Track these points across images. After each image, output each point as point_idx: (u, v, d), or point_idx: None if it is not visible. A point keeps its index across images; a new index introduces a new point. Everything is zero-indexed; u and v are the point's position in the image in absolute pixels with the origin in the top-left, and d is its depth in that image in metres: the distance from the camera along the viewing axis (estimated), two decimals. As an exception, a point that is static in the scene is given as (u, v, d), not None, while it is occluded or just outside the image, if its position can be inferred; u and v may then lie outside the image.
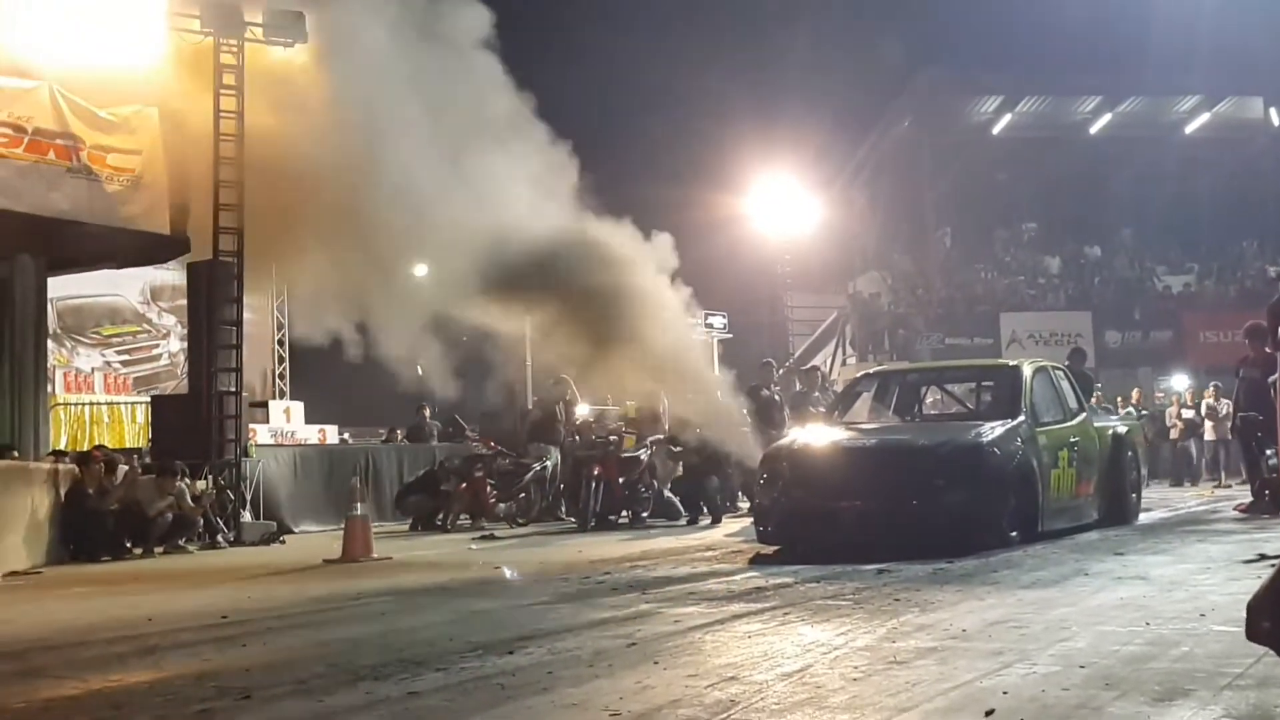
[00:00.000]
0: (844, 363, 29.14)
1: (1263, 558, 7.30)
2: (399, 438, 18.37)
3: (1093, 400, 12.86)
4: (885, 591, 6.39)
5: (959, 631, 4.99)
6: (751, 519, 10.25)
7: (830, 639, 4.95)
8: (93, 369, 19.84)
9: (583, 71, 27.57)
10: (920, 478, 8.70)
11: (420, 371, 17.29)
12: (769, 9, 32.99)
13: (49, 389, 15.57)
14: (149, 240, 13.58)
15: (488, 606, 6.72)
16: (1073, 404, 10.67)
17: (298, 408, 19.41)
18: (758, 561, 8.57)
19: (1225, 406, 17.43)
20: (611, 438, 14.24)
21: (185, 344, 16.41)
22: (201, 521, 12.37)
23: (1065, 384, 10.88)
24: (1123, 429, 11.61)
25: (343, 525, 10.83)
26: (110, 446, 15.18)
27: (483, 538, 12.41)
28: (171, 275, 18.87)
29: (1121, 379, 24.66)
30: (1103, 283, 31.47)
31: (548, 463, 14.60)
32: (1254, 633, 3.15)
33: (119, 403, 18.57)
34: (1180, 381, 24.82)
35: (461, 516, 14.51)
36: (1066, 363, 12.79)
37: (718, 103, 30.32)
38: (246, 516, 13.16)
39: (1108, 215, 32.34)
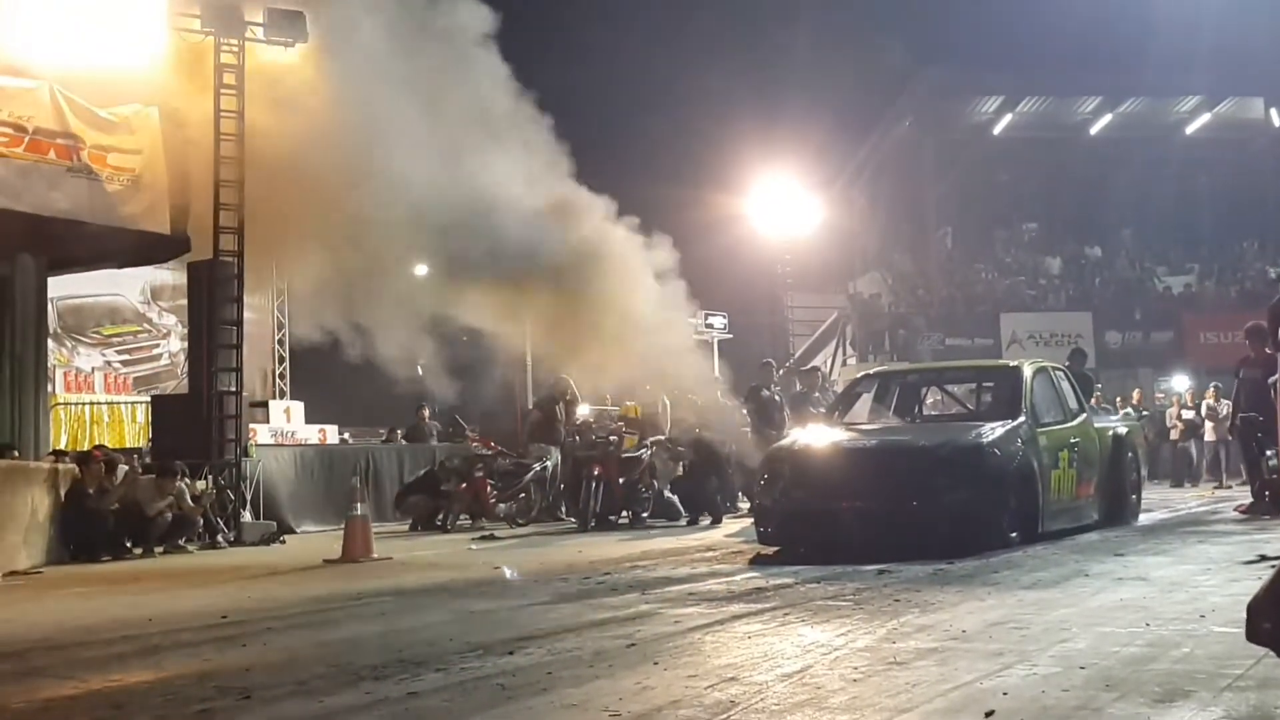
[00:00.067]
0: (844, 363, 29.14)
1: (1263, 559, 7.30)
2: (398, 438, 18.36)
3: (1092, 401, 12.85)
4: (885, 592, 6.39)
5: (959, 632, 4.99)
6: (752, 519, 10.25)
7: (830, 640, 4.95)
8: (93, 368, 19.84)
9: (583, 71, 27.58)
10: (921, 478, 8.70)
11: (420, 371, 17.32)
12: (769, 9, 33.02)
13: (49, 388, 15.56)
14: (149, 240, 13.57)
15: (488, 607, 6.72)
16: (1073, 405, 10.67)
17: (298, 408, 19.40)
18: (758, 562, 8.56)
19: (1225, 407, 17.41)
20: (611, 438, 14.23)
21: (185, 344, 16.41)
22: (201, 521, 12.37)
23: (1066, 385, 10.88)
24: (1123, 430, 11.61)
25: (343, 525, 10.84)
26: (110, 446, 15.19)
27: (483, 538, 12.41)
28: (172, 275, 18.87)
29: (1122, 380, 24.66)
30: (1103, 283, 31.47)
31: (548, 463, 14.59)
32: (1254, 634, 3.15)
33: (119, 402, 18.58)
34: (1180, 382, 24.81)
35: (461, 517, 14.51)
36: (1067, 363, 12.79)
37: (718, 102, 30.36)
38: (247, 516, 13.15)
39: (1108, 216, 32.34)
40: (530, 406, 17.31)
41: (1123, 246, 32.84)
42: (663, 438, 14.74)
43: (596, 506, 13.48)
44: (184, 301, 15.38)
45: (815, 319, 31.54)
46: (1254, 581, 4.99)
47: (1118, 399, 20.41)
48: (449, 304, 14.12)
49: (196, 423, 12.97)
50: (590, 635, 5.34)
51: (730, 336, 24.13)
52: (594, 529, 13.11)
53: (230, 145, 13.03)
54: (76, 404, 18.04)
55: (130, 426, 18.04)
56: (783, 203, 26.95)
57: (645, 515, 13.74)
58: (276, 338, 20.76)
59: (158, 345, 21.21)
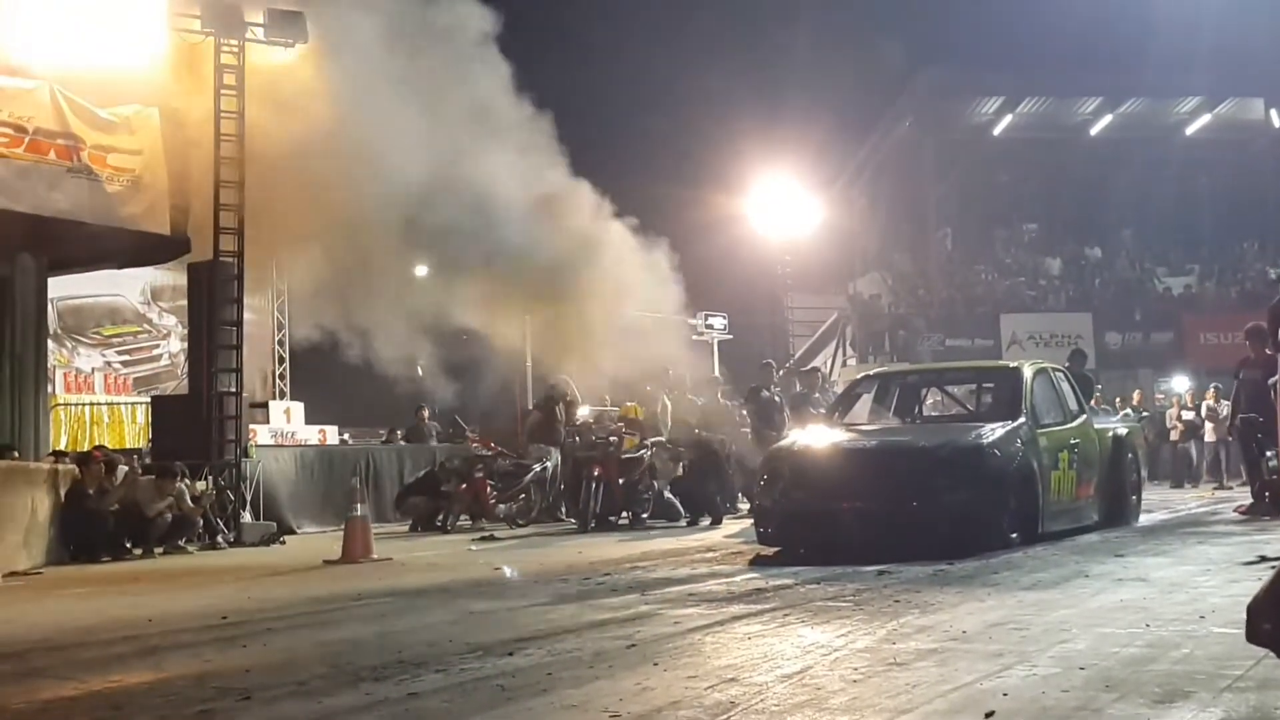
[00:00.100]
0: (844, 364, 29.13)
1: (1263, 559, 7.30)
2: (398, 439, 18.37)
3: (1092, 402, 12.85)
4: (885, 593, 6.39)
5: (959, 633, 4.99)
6: (751, 520, 10.25)
7: (830, 640, 4.95)
8: (93, 369, 19.84)
9: (583, 71, 27.59)
10: (921, 479, 8.70)
11: (420, 372, 17.32)
12: (769, 9, 33.02)
13: (49, 389, 15.57)
14: (149, 241, 13.58)
15: (487, 608, 6.72)
16: (1073, 406, 10.67)
17: (298, 408, 19.41)
18: (758, 563, 8.56)
19: (1225, 408, 17.41)
20: (611, 438, 14.23)
21: (185, 344, 16.41)
22: (201, 522, 12.37)
23: (1066, 386, 10.88)
24: (1123, 431, 11.61)
25: (343, 526, 10.84)
26: (110, 447, 15.19)
27: (483, 539, 12.40)
28: (172, 275, 18.87)
29: (1122, 380, 24.65)
30: (1103, 284, 31.46)
31: (548, 463, 14.59)
32: (1254, 635, 3.15)
33: (119, 403, 18.58)
34: (1180, 383, 24.80)
35: (461, 517, 14.51)
36: (1067, 364, 12.79)
37: (719, 103, 30.38)
38: (246, 517, 13.16)
39: (1108, 216, 32.33)
40: (530, 407, 17.29)
41: (1123, 247, 32.84)
42: (662, 438, 14.73)
43: (596, 507, 13.48)
44: (184, 302, 15.39)
45: (815, 320, 31.53)
46: (1254, 582, 4.98)
47: (1117, 399, 20.40)
48: (448, 304, 14.12)
49: (196, 423, 12.97)
50: (590, 636, 5.34)
51: (730, 337, 24.13)
52: (594, 530, 13.11)
53: (230, 146, 13.03)
54: (76, 404, 18.04)
55: (130, 427, 18.04)
56: (783, 203, 26.94)
57: (645, 516, 13.74)
58: (277, 338, 20.76)
59: (158, 346, 21.21)
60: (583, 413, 15.87)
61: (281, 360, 20.84)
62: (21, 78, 12.24)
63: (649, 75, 29.48)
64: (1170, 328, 29.36)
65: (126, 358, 20.74)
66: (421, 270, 16.96)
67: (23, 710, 4.32)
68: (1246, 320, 12.77)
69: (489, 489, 14.36)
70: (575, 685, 4.25)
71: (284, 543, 12.91)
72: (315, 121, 13.00)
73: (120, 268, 16.55)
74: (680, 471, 14.35)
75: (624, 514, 13.92)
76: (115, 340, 20.65)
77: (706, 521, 13.31)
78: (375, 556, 10.25)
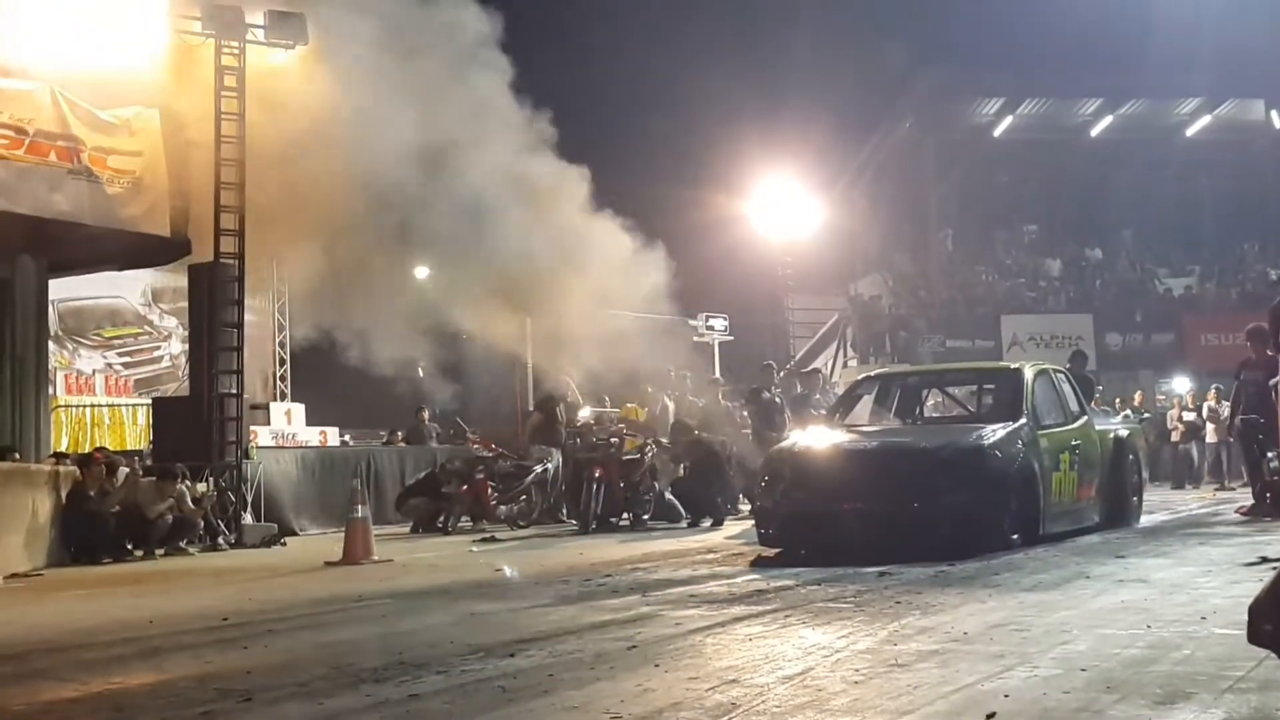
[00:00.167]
0: (845, 365, 29.11)
1: (1264, 560, 7.30)
2: (398, 440, 18.37)
3: (1092, 403, 12.85)
4: (886, 594, 6.39)
5: (960, 634, 4.99)
6: (752, 521, 10.24)
7: (831, 642, 4.94)
8: (94, 371, 19.86)
9: (583, 72, 27.58)
10: (922, 480, 8.69)
11: (420, 374, 17.33)
12: (770, 10, 32.98)
13: (50, 391, 15.58)
14: (150, 242, 13.58)
15: (489, 609, 6.72)
16: (1074, 407, 10.66)
17: (299, 410, 19.42)
18: (759, 564, 8.56)
19: (1227, 409, 17.40)
20: (612, 440, 14.23)
21: (186, 346, 16.42)
22: (202, 524, 12.37)
23: (1066, 387, 10.88)
24: (1124, 432, 11.61)
25: (344, 527, 10.84)
26: (111, 448, 15.20)
27: (484, 540, 12.40)
28: (172, 277, 18.88)
29: (1122, 381, 24.63)
30: (1104, 285, 31.45)
31: (549, 465, 14.58)
32: (1255, 636, 3.15)
33: (120, 405, 18.59)
34: (1181, 384, 24.80)
35: (463, 519, 14.50)
36: (1068, 365, 12.79)
37: (719, 103, 30.33)
38: (247, 519, 13.16)
39: (1109, 217, 32.32)
40: (531, 408, 17.29)
41: (1123, 248, 32.83)
42: (662, 439, 14.73)
43: (597, 508, 13.47)
44: (185, 304, 15.39)
45: (816, 321, 31.50)
46: (1255, 583, 4.98)
47: (1117, 400, 20.40)
48: (448, 305, 14.13)
49: (197, 425, 12.97)
50: (591, 637, 5.34)
51: (731, 338, 24.12)
52: (595, 531, 13.11)
53: (231, 147, 13.04)
54: (77, 406, 18.06)
55: (131, 429, 18.05)
56: (783, 204, 26.92)
57: (646, 517, 13.73)
58: (277, 340, 20.76)
59: (158, 347, 21.22)
60: (583, 414, 15.87)
61: (282, 362, 20.84)
62: (22, 79, 12.26)
63: (649, 75, 29.47)
64: (1171, 329, 29.35)
65: (127, 359, 20.76)
66: (422, 272, 16.98)
67: (24, 712, 4.32)
68: (1247, 321, 12.76)
69: (490, 490, 14.36)
70: (576, 686, 4.25)
71: (285, 544, 12.91)
72: (310, 121, 13.00)
73: (121, 269, 16.57)
74: (681, 473, 14.35)
75: (625, 515, 13.92)
76: (116, 342, 20.67)
77: (707, 523, 13.30)
78: (376, 558, 10.25)
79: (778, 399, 14.86)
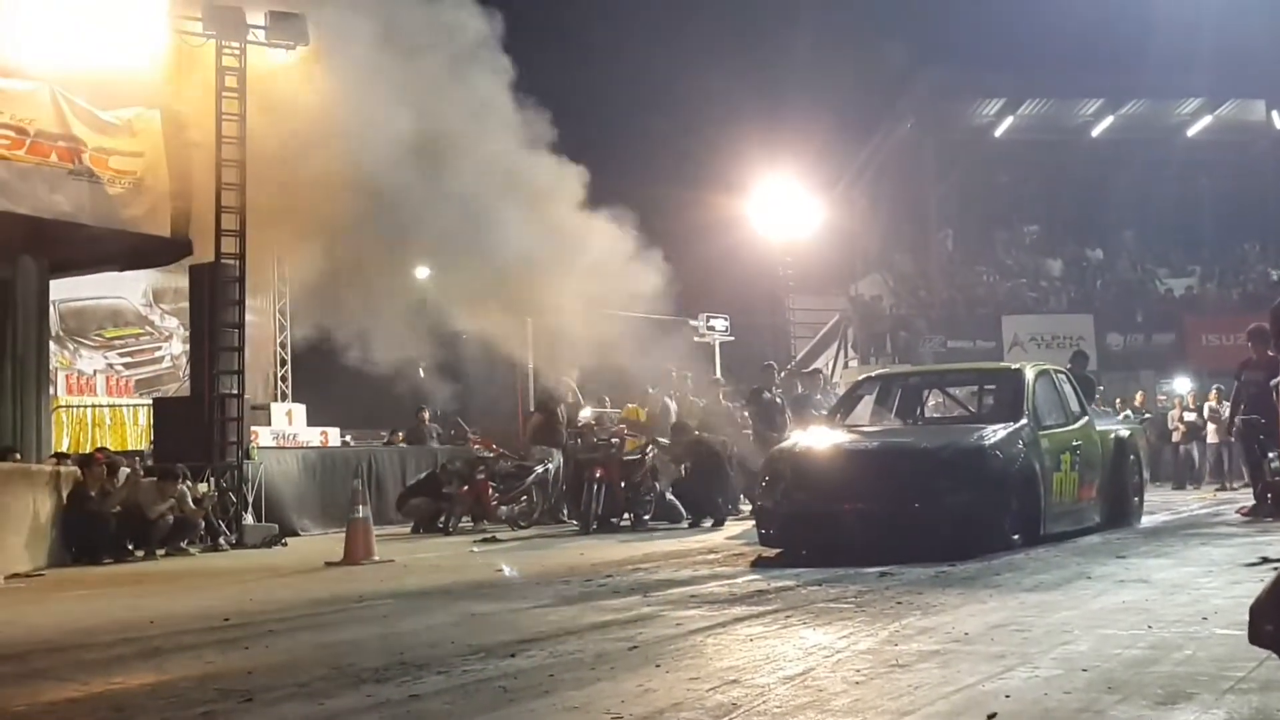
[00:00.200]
0: (846, 365, 29.10)
1: (1265, 561, 7.30)
2: (399, 440, 18.38)
3: (1093, 403, 12.85)
4: (887, 594, 6.39)
5: (961, 634, 4.99)
6: (753, 522, 10.24)
7: (832, 642, 4.94)
8: (95, 371, 19.86)
9: (583, 72, 27.58)
10: (922, 480, 8.69)
11: (421, 374, 17.33)
12: (770, 10, 32.98)
13: (51, 391, 15.58)
14: (152, 243, 13.59)
15: (489, 609, 6.72)
16: (1075, 407, 10.66)
17: (299, 410, 19.42)
18: (759, 564, 8.56)
19: (1228, 409, 17.40)
20: (613, 440, 14.23)
21: (187, 346, 16.42)
22: (203, 524, 12.37)
23: (1067, 387, 10.88)
24: (1125, 432, 11.61)
25: (344, 528, 10.84)
26: (112, 449, 15.20)
27: (485, 540, 12.40)
28: (174, 278, 18.88)
29: (1123, 382, 24.61)
30: (1105, 285, 31.43)
31: (550, 465, 14.58)
32: (1256, 636, 3.15)
33: (121, 405, 18.59)
34: (1182, 384, 24.79)
35: (463, 519, 14.50)
36: (1069, 366, 12.79)
37: (720, 104, 30.33)
38: (248, 519, 13.16)
39: (1110, 218, 32.30)
40: (532, 409, 17.30)
41: (1124, 249, 32.81)
42: (663, 439, 14.72)
43: (598, 509, 13.47)
44: (186, 304, 15.39)
45: (817, 321, 31.49)
46: (1256, 584, 4.98)
47: (1117, 401, 20.39)
48: (448, 305, 14.13)
49: (198, 425, 12.97)
50: (592, 638, 5.34)
51: (732, 339, 24.12)
52: (596, 531, 13.11)
53: (232, 148, 13.04)
54: (78, 406, 18.06)
55: (132, 429, 18.05)
56: (784, 204, 26.91)
57: (647, 518, 13.74)
58: (278, 340, 20.77)
59: (159, 348, 21.22)
60: (584, 414, 15.87)
61: (283, 362, 20.85)
62: (23, 80, 12.26)
63: (649, 75, 29.47)
64: (1172, 329, 29.33)
65: (128, 360, 20.77)
66: (423, 272, 16.98)
67: (24, 712, 4.32)
68: (1248, 322, 12.77)
69: (491, 491, 14.36)
70: (577, 687, 4.25)
71: (286, 544, 12.91)
72: (310, 121, 13.01)
73: (122, 270, 16.58)
74: (682, 473, 14.35)
75: (626, 516, 13.92)
76: (117, 342, 20.67)
77: (708, 523, 13.30)
78: (377, 558, 10.25)
79: (778, 399, 14.86)
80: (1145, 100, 31.47)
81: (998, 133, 32.64)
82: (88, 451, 14.08)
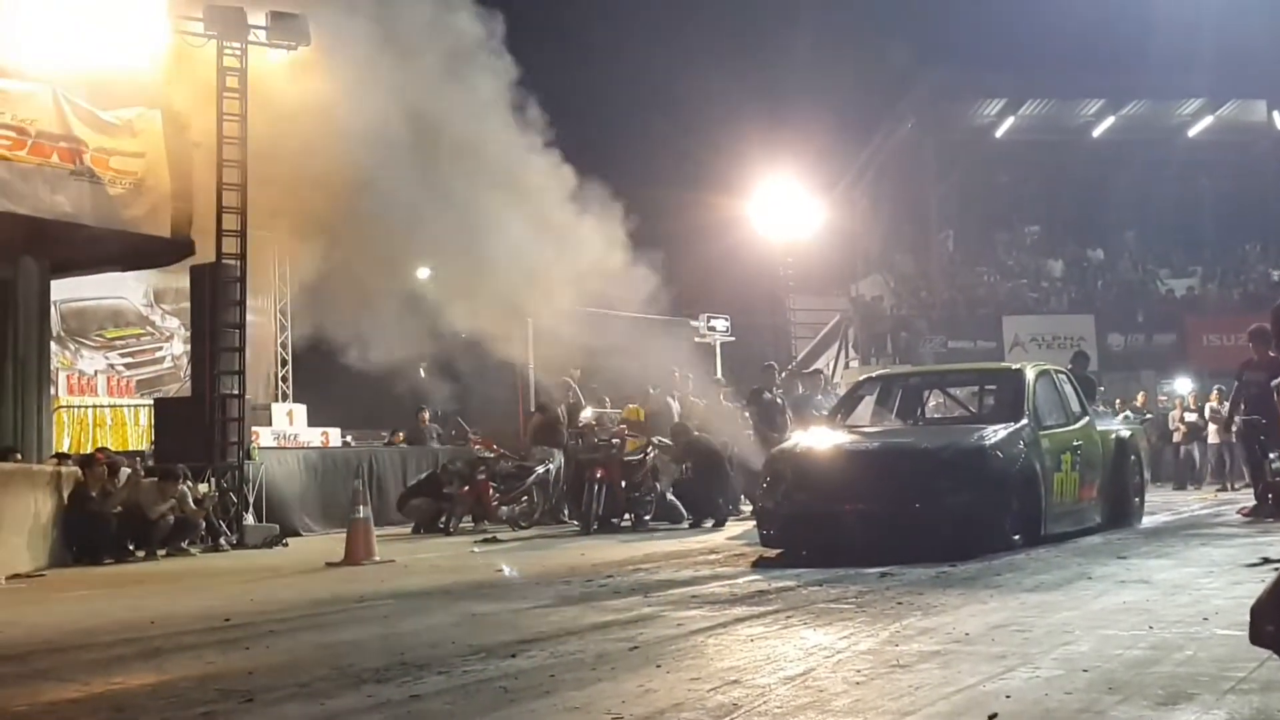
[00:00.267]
0: (847, 366, 29.10)
1: (1266, 561, 7.30)
2: (399, 440, 18.38)
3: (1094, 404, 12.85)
4: (888, 595, 6.39)
5: (962, 635, 4.99)
6: (754, 522, 10.24)
7: (833, 642, 4.94)
8: (96, 371, 19.84)
9: (584, 72, 27.58)
10: (923, 481, 8.70)
11: (422, 374, 17.32)
12: (771, 11, 32.99)
13: (52, 391, 15.57)
14: (153, 244, 13.59)
15: (490, 609, 6.72)
16: (1075, 407, 10.66)
17: (300, 410, 19.41)
18: (760, 565, 8.56)
19: (1234, 417, 17.39)
20: (614, 440, 14.23)
21: (188, 347, 16.42)
22: (204, 524, 12.37)
23: (1068, 387, 10.88)
24: (1126, 433, 11.61)
25: (345, 528, 10.84)
26: (113, 449, 15.19)
27: (485, 541, 12.41)
28: (175, 278, 18.84)
29: (1124, 382, 24.62)
30: (1105, 286, 31.44)
31: (550, 465, 14.58)
32: (1257, 636, 3.15)
33: (122, 405, 18.58)
34: (1183, 385, 24.79)
35: (464, 519, 14.50)
36: (1069, 366, 12.79)
37: (720, 104, 30.33)
38: (249, 519, 13.16)
39: (1111, 218, 32.30)
40: (532, 409, 17.29)
41: (1125, 249, 32.82)
42: (665, 440, 14.72)
43: (599, 509, 13.47)
44: (187, 304, 15.39)
45: (817, 321, 31.50)
46: (1257, 584, 4.99)
47: (1117, 401, 20.38)
48: (449, 306, 14.12)
49: (199, 426, 12.98)
50: (593, 638, 5.34)
51: (732, 339, 24.11)
52: (596, 532, 13.11)
53: (233, 148, 13.05)
54: (79, 407, 18.04)
55: (133, 429, 18.04)
56: (785, 205, 26.92)
57: (648, 518, 13.74)
58: (279, 341, 20.77)
59: (160, 348, 21.21)
60: (585, 415, 15.87)
61: (284, 362, 20.85)
62: (24, 80, 12.26)
63: (650, 76, 29.46)
64: (1173, 329, 29.34)
65: (129, 360, 20.75)
66: (423, 273, 16.96)
67: (25, 712, 4.32)
68: (1249, 322, 12.77)
69: (491, 491, 14.36)
70: (578, 687, 4.25)
71: (286, 545, 12.91)
72: (310, 121, 13.01)
73: (124, 271, 16.58)
74: (683, 473, 14.35)
75: (626, 516, 13.93)
76: (118, 343, 20.66)
77: (709, 524, 13.30)
78: (378, 558, 10.25)
79: (779, 400, 14.86)
80: (1146, 101, 31.48)
81: (998, 133, 32.65)
82: (89, 452, 14.07)
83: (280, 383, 20.75)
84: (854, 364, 28.76)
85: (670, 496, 13.90)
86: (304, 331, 19.04)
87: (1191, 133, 32.40)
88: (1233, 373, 13.27)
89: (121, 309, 20.74)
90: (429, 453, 16.75)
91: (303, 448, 17.22)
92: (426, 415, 18.34)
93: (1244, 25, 26.65)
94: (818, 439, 9.85)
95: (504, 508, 14.31)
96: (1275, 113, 32.08)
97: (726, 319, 23.78)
